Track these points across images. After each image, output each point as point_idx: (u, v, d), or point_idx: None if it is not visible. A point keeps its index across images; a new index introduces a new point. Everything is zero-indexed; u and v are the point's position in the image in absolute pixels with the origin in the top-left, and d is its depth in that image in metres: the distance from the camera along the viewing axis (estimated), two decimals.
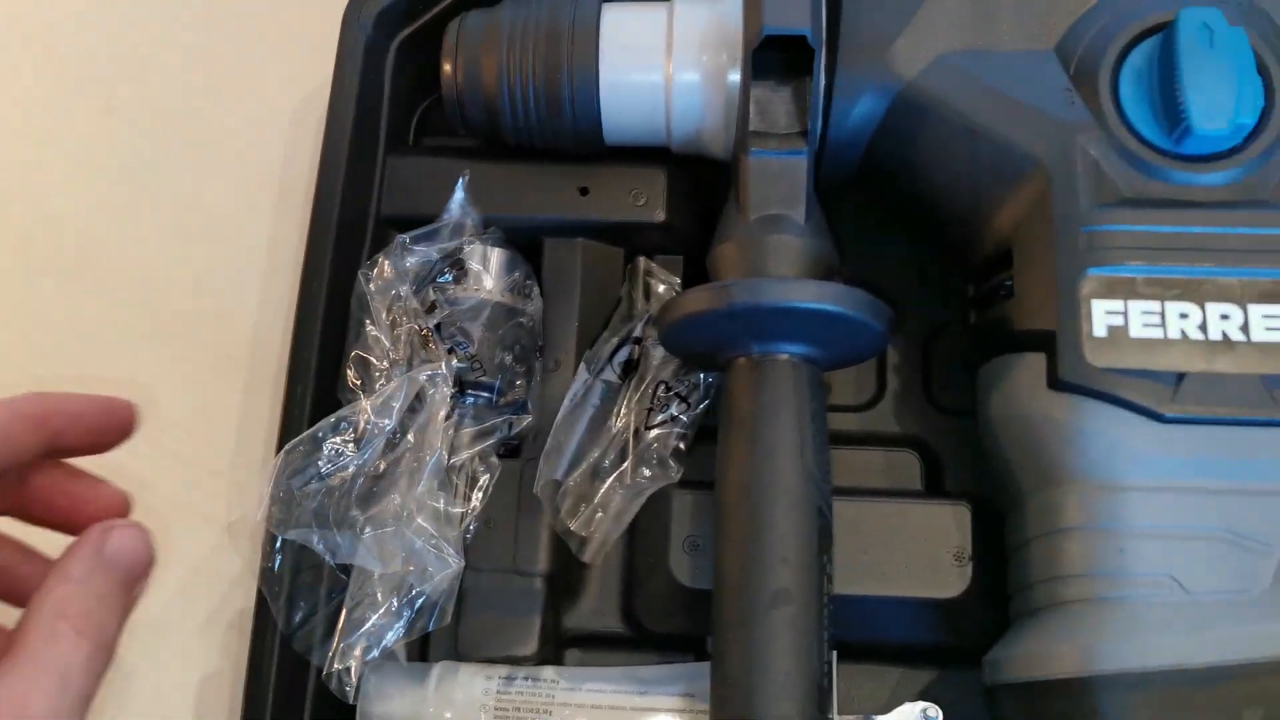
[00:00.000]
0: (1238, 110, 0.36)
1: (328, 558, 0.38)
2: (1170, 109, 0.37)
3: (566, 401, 0.42)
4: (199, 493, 0.47)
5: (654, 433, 0.43)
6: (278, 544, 0.39)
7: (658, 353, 0.44)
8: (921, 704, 0.38)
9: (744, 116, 0.40)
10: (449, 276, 0.42)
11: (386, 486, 0.39)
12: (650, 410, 0.43)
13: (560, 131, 0.43)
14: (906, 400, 0.45)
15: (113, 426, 0.33)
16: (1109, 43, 0.38)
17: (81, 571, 0.30)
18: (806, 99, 0.40)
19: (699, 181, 0.46)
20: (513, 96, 0.43)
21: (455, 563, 0.38)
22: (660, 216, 0.44)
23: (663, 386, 0.43)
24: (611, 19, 0.43)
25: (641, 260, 0.46)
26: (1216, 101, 0.36)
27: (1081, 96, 0.38)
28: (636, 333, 0.44)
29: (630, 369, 0.43)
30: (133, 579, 0.30)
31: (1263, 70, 0.38)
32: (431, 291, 0.42)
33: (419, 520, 0.38)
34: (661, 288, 0.45)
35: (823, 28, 0.40)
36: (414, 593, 0.38)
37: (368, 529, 0.38)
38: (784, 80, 0.40)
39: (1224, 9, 0.38)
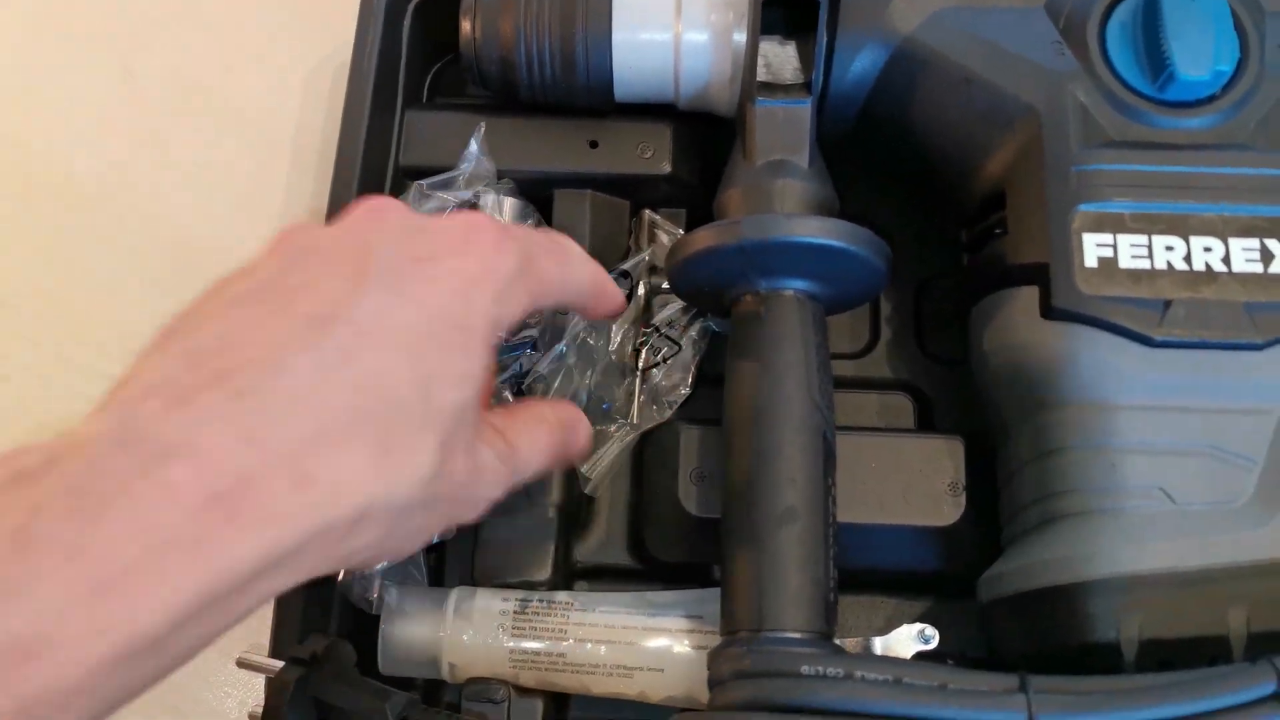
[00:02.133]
0: (1217, 57, 0.39)
1: None
2: (1155, 57, 0.39)
3: (565, 337, 0.43)
4: None
5: (656, 373, 0.44)
6: None
7: (658, 300, 0.46)
8: (919, 625, 0.40)
9: (751, 68, 0.42)
10: None
11: None
12: (644, 352, 0.44)
13: (573, 89, 0.45)
14: (899, 348, 0.47)
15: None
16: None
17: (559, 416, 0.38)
18: (811, 52, 0.42)
19: (703, 137, 0.47)
20: (529, 55, 0.44)
21: None
22: (666, 169, 0.46)
23: (656, 333, 0.45)
24: None
25: (646, 212, 0.47)
26: (1198, 50, 0.39)
27: (1070, 48, 0.40)
28: (626, 266, 0.45)
29: None
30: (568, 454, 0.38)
31: (1238, 24, 0.40)
32: None
33: None
34: (665, 238, 0.47)
35: None
36: None
37: None
38: (789, 35, 0.43)
39: None
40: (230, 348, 0.28)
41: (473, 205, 0.45)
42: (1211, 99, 0.39)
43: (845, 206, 0.48)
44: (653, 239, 0.47)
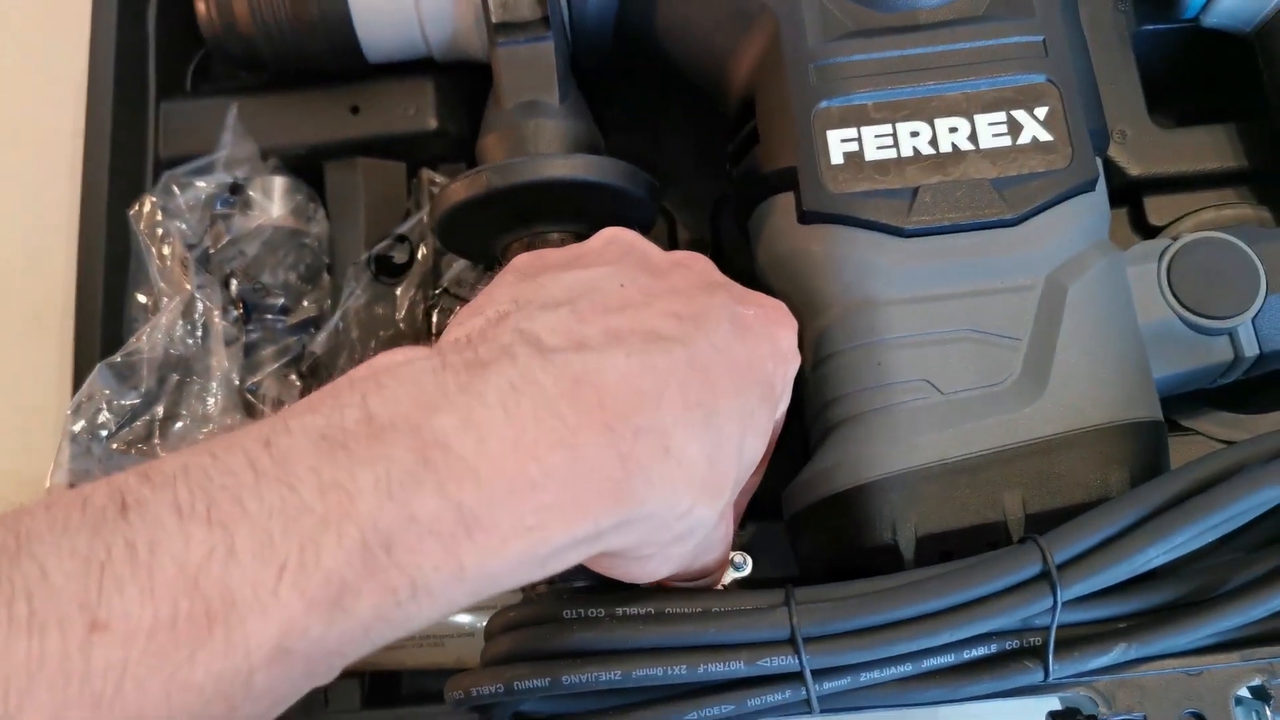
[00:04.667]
0: None
1: None
2: None
3: (338, 312, 0.42)
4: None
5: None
6: None
7: (445, 260, 0.44)
8: (731, 554, 0.39)
9: (486, 11, 0.40)
10: (231, 203, 0.43)
11: (179, 416, 0.39)
12: (435, 315, 0.43)
13: (320, 55, 0.44)
14: None
15: None
16: None
17: None
18: None
19: (471, 87, 0.46)
20: (265, 25, 0.43)
21: None
22: (432, 124, 0.45)
23: (445, 293, 0.44)
24: None
25: (424, 172, 0.46)
26: None
27: None
28: (402, 230, 0.44)
29: (402, 269, 0.44)
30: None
31: None
32: (212, 223, 0.42)
33: None
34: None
35: None
36: None
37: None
38: None
39: None
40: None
41: (236, 188, 0.43)
42: None
43: (625, 132, 0.47)
44: (433, 199, 0.46)
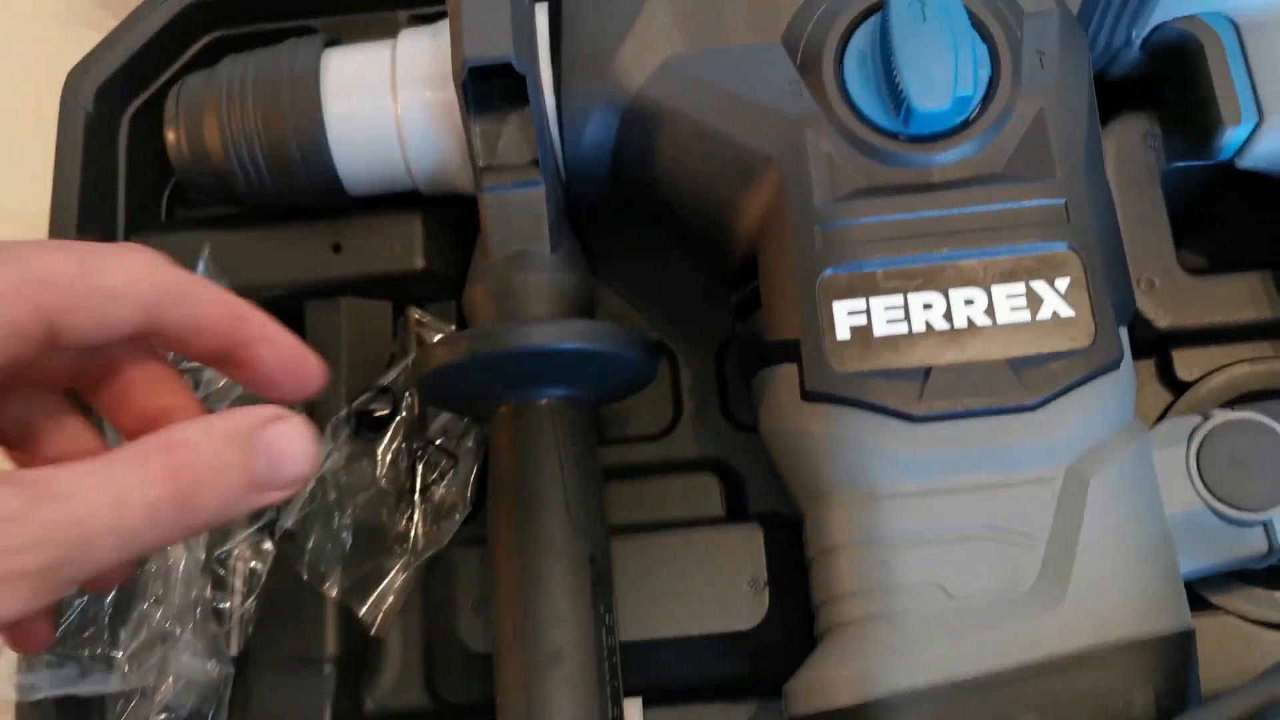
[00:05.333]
0: (956, 83, 0.34)
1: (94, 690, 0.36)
2: (892, 91, 0.35)
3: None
4: None
5: (434, 493, 0.41)
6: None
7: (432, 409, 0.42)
8: None
9: (472, 153, 0.38)
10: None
11: (141, 595, 0.37)
12: (420, 469, 0.41)
13: (298, 188, 0.41)
14: (703, 420, 0.44)
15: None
16: (830, 27, 0.37)
17: (220, 430, 0.26)
18: (531, 127, 0.38)
19: (460, 221, 0.43)
20: (240, 157, 0.40)
21: (219, 668, 0.36)
22: (419, 264, 0.42)
23: (431, 447, 0.41)
24: (333, 60, 0.41)
25: (411, 311, 0.44)
26: (933, 77, 0.34)
27: (809, 86, 0.36)
28: (385, 381, 0.42)
29: (384, 423, 0.41)
30: (272, 477, 0.26)
31: (986, 35, 0.36)
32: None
33: (180, 626, 0.36)
34: (437, 338, 0.43)
35: (536, 48, 0.39)
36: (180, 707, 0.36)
37: (129, 646, 0.36)
38: (508, 109, 0.38)
39: None
40: None
41: None
42: (963, 127, 0.35)
43: (628, 267, 0.45)
44: (421, 340, 0.44)
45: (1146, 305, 0.40)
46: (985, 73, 0.36)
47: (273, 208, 0.42)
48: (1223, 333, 0.40)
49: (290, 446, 0.27)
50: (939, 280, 0.34)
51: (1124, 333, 0.35)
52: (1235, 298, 0.41)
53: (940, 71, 0.34)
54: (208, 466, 0.25)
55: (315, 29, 0.45)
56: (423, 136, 0.40)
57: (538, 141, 0.38)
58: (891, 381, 0.33)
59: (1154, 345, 0.41)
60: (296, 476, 0.27)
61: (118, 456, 0.25)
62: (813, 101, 0.36)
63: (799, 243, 0.35)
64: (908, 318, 0.34)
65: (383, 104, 0.40)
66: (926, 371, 0.33)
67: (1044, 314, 0.34)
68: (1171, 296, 0.40)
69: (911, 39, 0.35)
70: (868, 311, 0.34)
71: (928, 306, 0.34)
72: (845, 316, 0.34)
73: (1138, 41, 0.40)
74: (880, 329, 0.34)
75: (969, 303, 0.34)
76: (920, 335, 0.34)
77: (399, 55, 0.41)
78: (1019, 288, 0.34)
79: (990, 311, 0.34)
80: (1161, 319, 0.40)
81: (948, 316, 0.34)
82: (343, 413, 0.41)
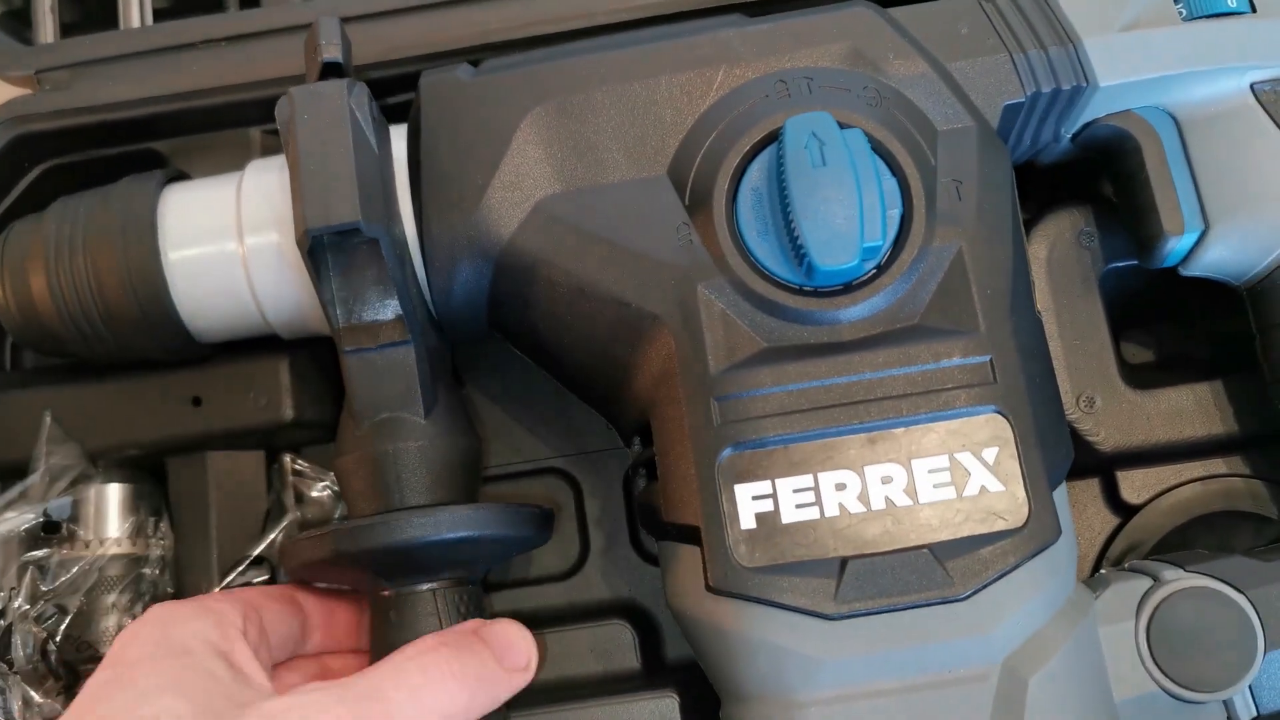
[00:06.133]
0: (862, 235, 0.30)
1: None
2: (793, 242, 0.31)
3: None
4: None
5: None
6: None
7: None
8: None
9: (328, 316, 0.34)
10: (48, 540, 0.36)
11: None
12: None
13: (143, 344, 0.37)
14: (612, 556, 0.40)
15: None
16: (721, 160, 0.32)
17: (453, 636, 0.31)
18: (392, 285, 0.33)
19: (333, 361, 0.39)
20: (73, 316, 0.36)
21: None
22: (288, 415, 0.38)
23: None
24: (172, 201, 0.36)
25: (285, 458, 0.40)
26: (835, 231, 0.30)
27: (699, 230, 0.32)
28: (258, 550, 0.38)
29: None
30: (512, 659, 0.32)
31: (895, 169, 0.32)
32: (22, 574, 0.36)
33: None
34: (317, 488, 0.40)
35: (393, 195, 0.34)
36: None
37: None
38: (364, 265, 0.34)
39: (845, 99, 0.32)
40: None
41: (51, 525, 0.37)
42: (873, 277, 0.31)
43: (526, 392, 0.41)
44: (299, 491, 0.40)
45: (1088, 426, 0.37)
46: (896, 213, 0.32)
47: (122, 361, 0.38)
48: (1170, 452, 0.37)
49: (509, 631, 0.33)
50: (852, 457, 0.31)
51: (1063, 491, 0.32)
52: (1182, 412, 0.37)
53: (844, 224, 0.30)
54: (463, 666, 0.31)
55: (159, 152, 0.40)
56: (275, 281, 0.36)
57: (400, 299, 0.33)
58: (803, 578, 0.30)
59: (1098, 467, 0.38)
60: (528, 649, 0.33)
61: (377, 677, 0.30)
62: (704, 250, 0.32)
63: (694, 419, 0.31)
64: (819, 500, 0.30)
65: (228, 249, 0.36)
66: (843, 563, 0.30)
67: (971, 489, 0.30)
68: (1114, 415, 0.37)
69: (809, 187, 0.31)
70: (774, 495, 0.30)
71: (841, 487, 0.30)
72: (749, 502, 0.31)
73: (1067, 137, 0.36)
74: (789, 514, 0.30)
75: (887, 480, 0.30)
76: (833, 519, 0.30)
77: (244, 194, 0.36)
78: (942, 461, 0.30)
79: (911, 490, 0.30)
80: (1105, 441, 0.37)
81: (863, 498, 0.30)
82: (215, 590, 0.37)
